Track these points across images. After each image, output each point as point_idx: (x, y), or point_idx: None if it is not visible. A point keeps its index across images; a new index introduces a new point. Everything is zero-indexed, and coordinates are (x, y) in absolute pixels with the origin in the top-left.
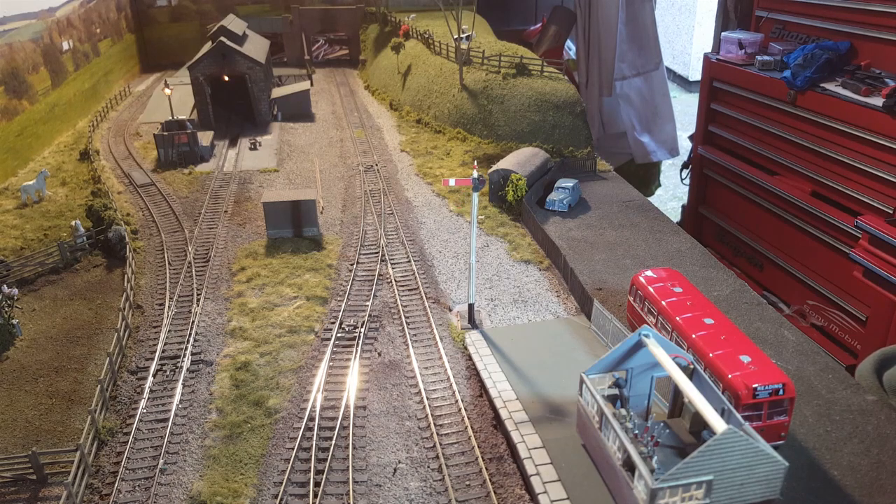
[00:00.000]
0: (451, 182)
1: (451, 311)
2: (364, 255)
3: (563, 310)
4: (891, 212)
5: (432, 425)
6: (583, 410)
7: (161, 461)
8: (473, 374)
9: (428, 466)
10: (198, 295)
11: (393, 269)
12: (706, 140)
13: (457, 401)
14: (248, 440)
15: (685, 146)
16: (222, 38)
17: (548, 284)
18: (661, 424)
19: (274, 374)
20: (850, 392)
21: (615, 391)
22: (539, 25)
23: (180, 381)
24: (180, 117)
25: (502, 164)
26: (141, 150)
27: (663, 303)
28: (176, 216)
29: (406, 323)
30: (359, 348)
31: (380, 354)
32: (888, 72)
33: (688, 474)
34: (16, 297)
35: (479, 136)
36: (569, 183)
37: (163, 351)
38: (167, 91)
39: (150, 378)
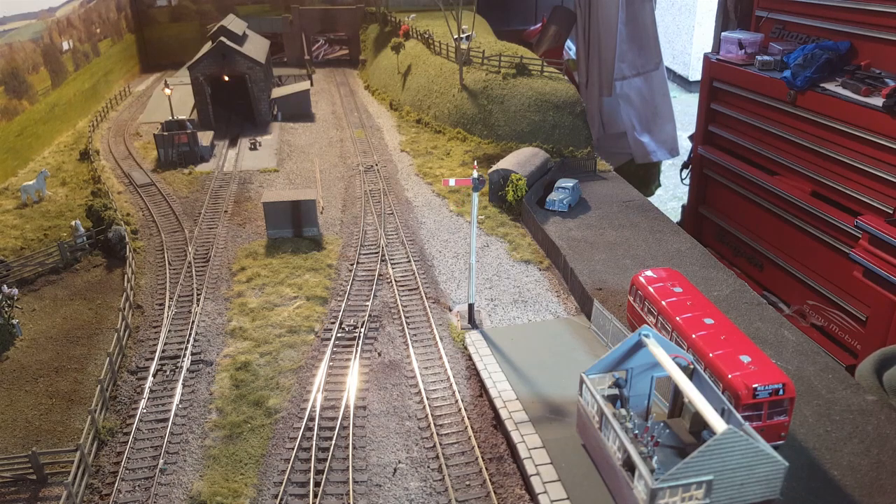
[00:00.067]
0: (451, 182)
1: (451, 311)
2: (364, 255)
3: (563, 310)
4: (891, 212)
5: (432, 425)
6: (583, 410)
7: (161, 461)
8: (473, 374)
9: (428, 466)
10: (198, 295)
11: (393, 269)
12: (706, 140)
13: (457, 401)
14: (248, 440)
15: (685, 146)
16: (222, 38)
17: (548, 284)
18: (661, 424)
19: (274, 374)
20: (850, 392)
21: (615, 391)
22: (539, 25)
23: (180, 381)
24: (180, 117)
25: (502, 164)
26: (141, 150)
27: (663, 303)
28: (176, 216)
29: (406, 323)
30: (359, 348)
31: (380, 354)
32: (888, 72)
33: (688, 474)
34: (16, 297)
35: (479, 136)
36: (569, 183)
37: (163, 351)
38: (167, 91)
39: (150, 378)
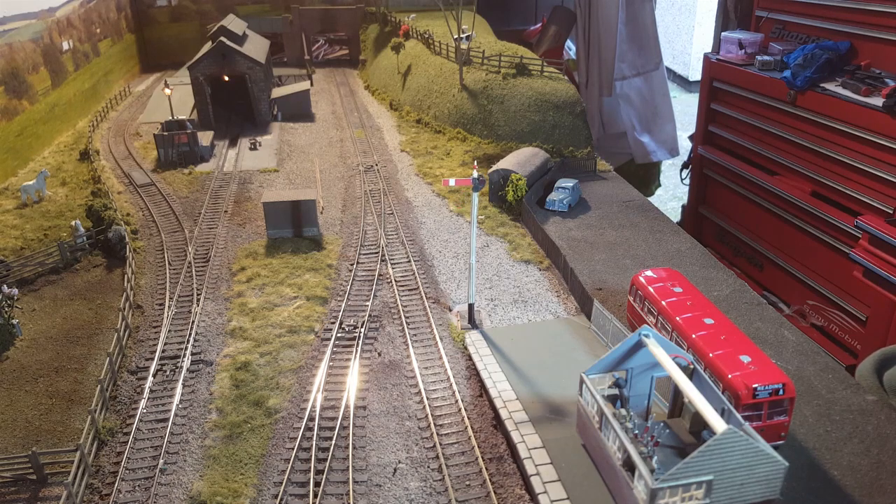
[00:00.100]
0: (451, 182)
1: (451, 311)
2: (364, 255)
3: (563, 310)
4: (891, 212)
5: (432, 425)
6: (583, 410)
7: (161, 461)
8: (473, 374)
9: (428, 466)
10: (198, 295)
11: (393, 269)
12: (706, 140)
13: (457, 401)
14: (248, 440)
15: (685, 146)
16: (222, 38)
17: (548, 284)
18: (661, 424)
19: (274, 374)
20: (850, 392)
21: (615, 391)
22: (539, 25)
23: (180, 381)
24: (180, 117)
25: (502, 164)
26: (141, 150)
27: (663, 303)
28: (176, 216)
29: (406, 323)
30: (359, 348)
31: (380, 354)
32: (888, 72)
33: (688, 474)
34: (16, 297)
35: (479, 136)
36: (569, 183)
37: (163, 351)
38: (167, 91)
39: (150, 378)
